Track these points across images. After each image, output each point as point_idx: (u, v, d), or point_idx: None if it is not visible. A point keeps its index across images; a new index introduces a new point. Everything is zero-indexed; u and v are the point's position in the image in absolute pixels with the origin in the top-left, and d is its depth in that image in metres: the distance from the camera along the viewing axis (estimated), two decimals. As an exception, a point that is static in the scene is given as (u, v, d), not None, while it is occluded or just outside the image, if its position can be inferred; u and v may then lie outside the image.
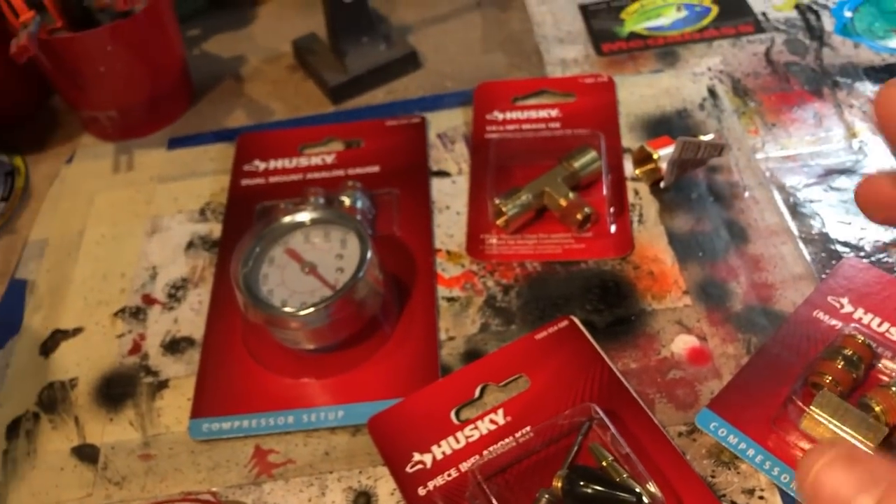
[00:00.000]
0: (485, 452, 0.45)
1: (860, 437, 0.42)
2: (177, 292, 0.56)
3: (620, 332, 0.50)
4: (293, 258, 0.51)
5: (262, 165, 0.62)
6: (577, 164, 0.57)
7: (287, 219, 0.51)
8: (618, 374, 0.48)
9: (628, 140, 0.61)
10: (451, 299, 0.53)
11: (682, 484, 0.43)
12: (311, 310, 0.48)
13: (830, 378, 0.45)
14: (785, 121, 0.61)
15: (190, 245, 0.58)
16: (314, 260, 0.50)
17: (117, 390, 0.51)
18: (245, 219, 0.58)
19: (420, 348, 0.51)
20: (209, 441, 0.48)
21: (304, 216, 0.52)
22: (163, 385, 0.51)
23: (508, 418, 0.47)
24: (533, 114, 0.63)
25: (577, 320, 0.51)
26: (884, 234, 0.53)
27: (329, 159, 0.62)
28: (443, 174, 0.61)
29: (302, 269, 0.50)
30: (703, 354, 0.49)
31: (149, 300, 0.56)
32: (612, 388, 0.47)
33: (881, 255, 0.52)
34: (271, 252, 0.51)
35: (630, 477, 0.42)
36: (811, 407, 0.43)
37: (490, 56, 0.70)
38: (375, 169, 0.61)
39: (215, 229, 0.59)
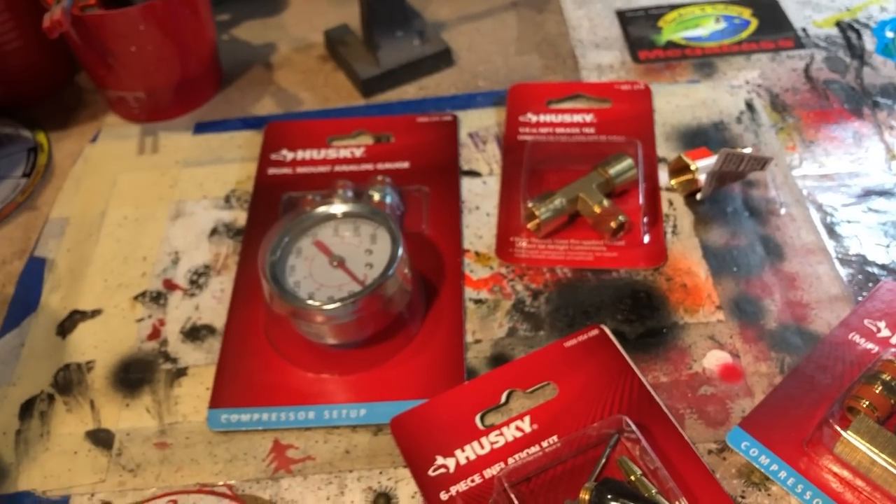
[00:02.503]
0: (510, 460, 0.44)
1: (897, 465, 0.41)
2: (199, 279, 0.55)
3: (651, 344, 0.49)
4: (322, 250, 0.50)
5: (289, 155, 0.61)
6: (612, 171, 0.56)
7: (318, 210, 0.50)
8: (648, 386, 0.47)
9: (663, 149, 0.60)
10: (478, 301, 0.52)
11: (711, 503, 0.42)
12: (338, 304, 0.47)
13: (868, 403, 0.44)
14: (823, 139, 0.60)
15: (214, 232, 0.57)
16: (343, 254, 0.49)
17: (135, 375, 0.50)
18: (271, 208, 0.57)
19: (446, 350, 0.50)
20: (227, 432, 0.47)
21: (335, 208, 0.51)
22: (181, 373, 0.50)
23: (535, 426, 0.46)
24: (567, 118, 0.62)
25: (607, 329, 0.50)
26: (922, 258, 0.52)
27: (358, 153, 0.61)
28: (473, 174, 0.60)
29: (330, 262, 0.49)
30: (736, 371, 0.48)
31: (170, 285, 0.55)
32: (642, 401, 0.46)
33: (919, 281, 0.51)
34: (299, 243, 0.50)
35: (659, 493, 0.41)
36: (847, 431, 0.42)
37: (524, 57, 0.69)
38: (405, 165, 0.60)
39: (240, 217, 0.58)
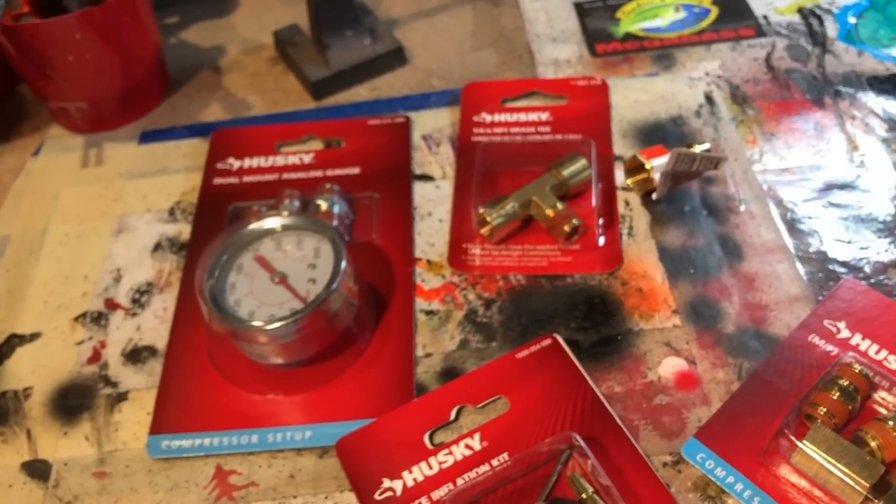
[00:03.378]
0: (458, 480, 0.43)
1: (855, 476, 0.39)
2: (141, 297, 0.53)
3: (605, 352, 0.48)
4: (263, 266, 0.48)
5: (236, 164, 0.59)
6: (566, 173, 0.54)
7: (255, 225, 0.49)
8: (601, 398, 0.45)
9: (620, 147, 0.58)
10: (429, 312, 0.51)
11: (665, 519, 0.41)
12: (280, 323, 0.45)
13: (825, 410, 0.43)
14: (784, 131, 0.58)
15: (157, 247, 0.56)
16: (285, 269, 0.48)
17: (74, 402, 0.48)
18: (216, 220, 0.56)
19: (395, 365, 0.48)
20: (168, 459, 0.45)
21: (274, 222, 0.49)
22: (122, 397, 0.48)
23: (485, 443, 0.44)
24: (522, 116, 0.61)
25: (560, 339, 0.48)
26: (884, 254, 0.51)
27: (307, 159, 0.59)
28: (426, 178, 0.58)
29: (272, 278, 0.47)
30: (692, 379, 0.46)
31: (111, 305, 0.53)
32: (595, 413, 0.45)
33: (881, 277, 0.50)
34: (240, 259, 0.48)
35: (611, 511, 0.40)
36: (804, 441, 0.41)
37: (480, 54, 0.67)
38: (356, 171, 0.58)
39: (185, 230, 0.56)
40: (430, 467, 0.44)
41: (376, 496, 0.43)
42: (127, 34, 0.61)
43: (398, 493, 0.43)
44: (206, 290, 0.47)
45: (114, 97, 0.63)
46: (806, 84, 0.61)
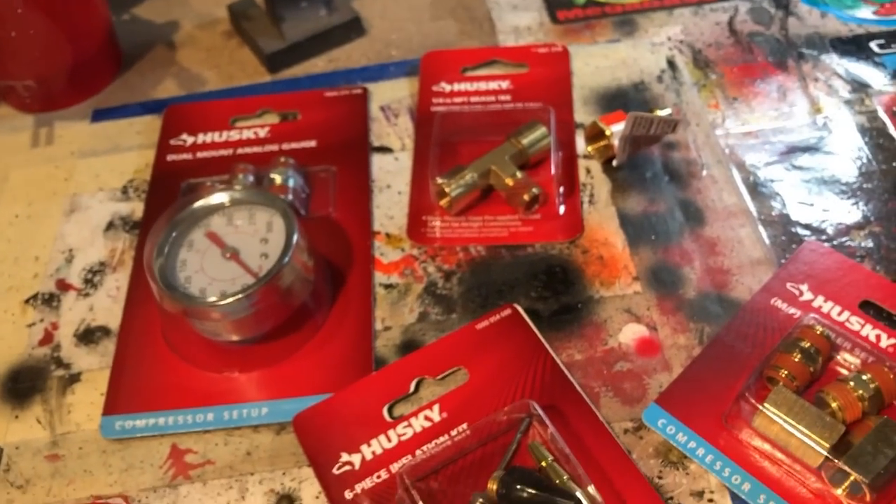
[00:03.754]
0: (417, 452, 0.42)
1: (815, 437, 0.39)
2: (94, 277, 0.52)
3: (566, 321, 0.47)
4: (214, 242, 0.47)
5: (189, 139, 0.58)
6: (525, 141, 0.53)
7: (204, 200, 0.47)
8: (561, 366, 0.45)
9: (582, 115, 0.57)
10: (388, 286, 0.50)
11: (626, 486, 0.40)
12: (232, 299, 0.44)
13: (786, 372, 0.42)
14: (747, 94, 0.58)
15: (110, 226, 0.54)
16: (237, 244, 0.47)
17: (25, 384, 0.47)
18: (169, 198, 0.54)
19: (353, 340, 0.47)
20: (122, 440, 0.44)
21: (222, 197, 0.48)
22: (75, 379, 0.47)
23: (444, 414, 0.43)
24: (483, 85, 0.60)
25: (520, 309, 0.47)
26: (846, 216, 0.50)
27: (262, 133, 0.58)
28: (385, 150, 0.57)
29: (223, 254, 0.46)
30: (653, 345, 0.46)
31: (63, 286, 0.51)
32: (556, 382, 0.44)
33: (844, 239, 0.49)
34: (191, 235, 0.47)
35: (570, 479, 0.39)
36: (765, 404, 0.40)
37: (439, 23, 0.66)
38: (312, 144, 0.57)
39: (138, 209, 0.55)
40: (389, 440, 0.43)
41: (334, 470, 0.42)
42: (74, 9, 0.59)
43: (357, 466, 0.42)
44: (156, 268, 0.46)
45: (63, 75, 0.61)
46: (769, 47, 0.61)
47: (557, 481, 0.40)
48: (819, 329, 0.44)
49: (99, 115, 0.61)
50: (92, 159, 0.58)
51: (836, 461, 0.39)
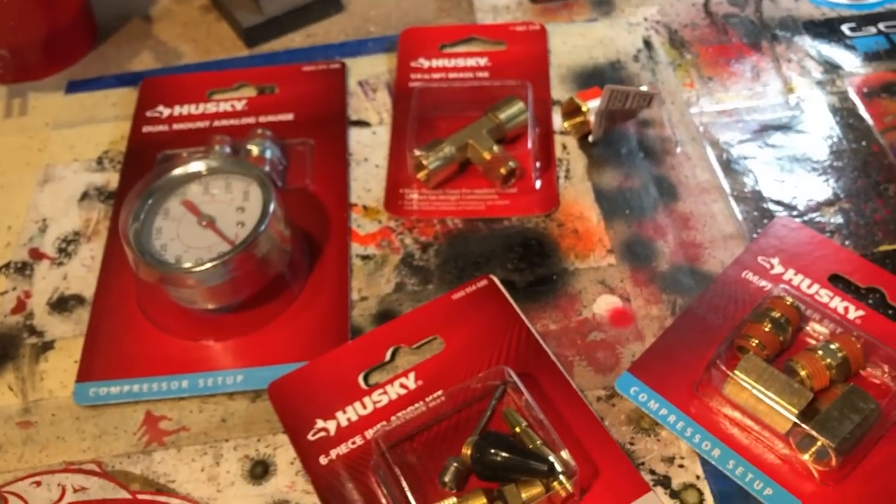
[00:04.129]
0: (392, 418, 0.42)
1: (784, 403, 0.40)
2: (68, 247, 0.51)
3: (541, 292, 0.48)
4: (190, 210, 0.47)
5: (166, 111, 0.57)
6: (502, 116, 0.53)
7: (180, 169, 0.47)
8: (536, 335, 0.45)
9: (559, 92, 0.58)
10: (365, 257, 0.50)
11: (598, 451, 0.41)
12: (208, 265, 0.44)
13: (757, 341, 0.43)
14: (722, 74, 0.58)
15: (85, 196, 0.54)
16: (213, 213, 0.46)
17: (-3, 352, 0.47)
18: (145, 169, 0.54)
19: (330, 309, 0.47)
20: (96, 407, 0.44)
21: (199, 165, 0.47)
22: (48, 346, 0.47)
23: (420, 382, 0.44)
24: (461, 62, 0.60)
25: (496, 280, 0.48)
26: (817, 193, 0.51)
27: (239, 106, 0.57)
28: (362, 124, 0.57)
29: (199, 222, 0.46)
30: (626, 316, 0.46)
31: (37, 255, 0.51)
32: (530, 351, 0.45)
33: (814, 215, 0.50)
34: (166, 204, 0.47)
35: (544, 444, 0.40)
36: (735, 371, 0.41)
37: (418, 0, 0.66)
38: (289, 117, 0.57)
39: (113, 179, 0.54)
40: (365, 407, 0.43)
41: (309, 437, 0.42)
42: (49, -21, 0.59)
43: (332, 432, 0.42)
44: (131, 235, 0.45)
45: (37, 45, 0.60)
46: (743, 28, 0.61)
47: (531, 446, 0.40)
48: (789, 300, 0.44)
49: (74, 87, 0.61)
50: (66, 130, 0.58)
51: (804, 426, 0.39)
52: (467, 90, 0.57)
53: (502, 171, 0.51)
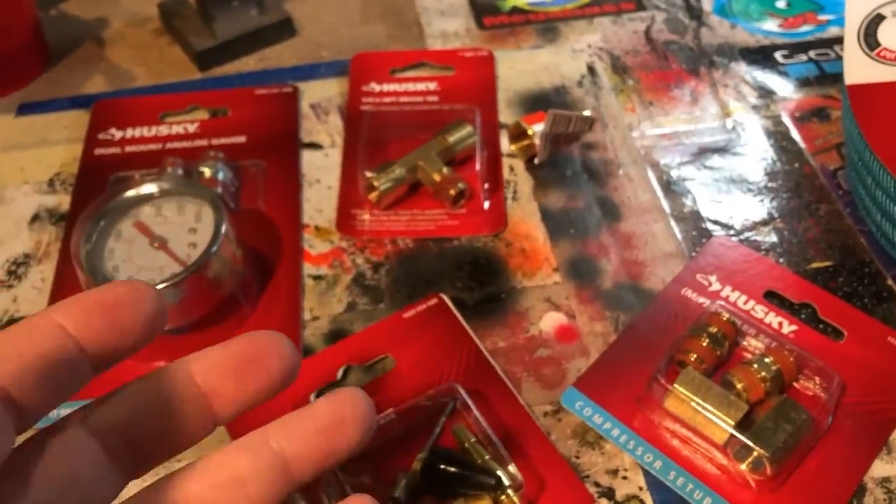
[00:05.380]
0: (343, 436, 0.43)
1: (721, 415, 0.42)
2: (18, 269, 0.51)
3: (490, 309, 0.49)
4: (142, 232, 0.47)
5: (118, 134, 0.58)
6: (451, 139, 0.55)
7: (133, 191, 0.48)
8: (485, 352, 0.46)
9: (506, 116, 0.59)
10: (317, 277, 0.51)
11: (545, 465, 0.42)
12: (160, 287, 0.44)
13: (695, 356, 0.45)
14: (662, 99, 0.61)
15: (35, 218, 0.54)
16: (165, 234, 0.47)
17: (-56, 376, 0.46)
18: (97, 191, 0.54)
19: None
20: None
21: (151, 187, 0.48)
22: (-4, 370, 0.47)
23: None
24: (411, 86, 0.61)
25: (446, 298, 0.49)
26: (753, 213, 0.54)
27: (192, 128, 0.58)
28: (314, 146, 0.58)
29: (151, 243, 0.47)
30: (571, 332, 0.48)
31: (-15, 278, 0.51)
32: (479, 368, 0.46)
33: (750, 234, 0.53)
34: (119, 225, 0.47)
35: (492, 459, 0.41)
36: (675, 385, 0.43)
37: (369, 27, 0.67)
38: (242, 139, 0.57)
39: (64, 202, 0.55)
40: (316, 426, 0.44)
41: (261, 456, 0.43)
42: None
43: (283, 451, 0.43)
44: (83, 257, 0.46)
45: (-13, 68, 0.60)
46: (683, 55, 0.64)
47: (479, 461, 0.41)
48: (725, 316, 0.46)
49: (25, 109, 0.61)
50: (17, 153, 0.58)
51: (740, 437, 0.41)
52: (417, 114, 0.58)
53: (452, 192, 0.53)
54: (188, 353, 0.47)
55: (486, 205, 0.54)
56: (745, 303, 0.49)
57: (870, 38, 0.52)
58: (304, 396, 0.45)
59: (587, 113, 0.56)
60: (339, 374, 0.46)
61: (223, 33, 0.63)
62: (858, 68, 0.51)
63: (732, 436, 0.41)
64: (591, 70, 0.63)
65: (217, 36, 0.63)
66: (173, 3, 0.66)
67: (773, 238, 0.52)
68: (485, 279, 0.50)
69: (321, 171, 0.56)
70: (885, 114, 0.49)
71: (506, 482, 0.40)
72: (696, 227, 0.53)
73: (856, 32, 0.52)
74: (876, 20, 0.52)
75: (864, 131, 0.49)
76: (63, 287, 0.50)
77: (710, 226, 0.53)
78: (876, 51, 0.51)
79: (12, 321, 0.49)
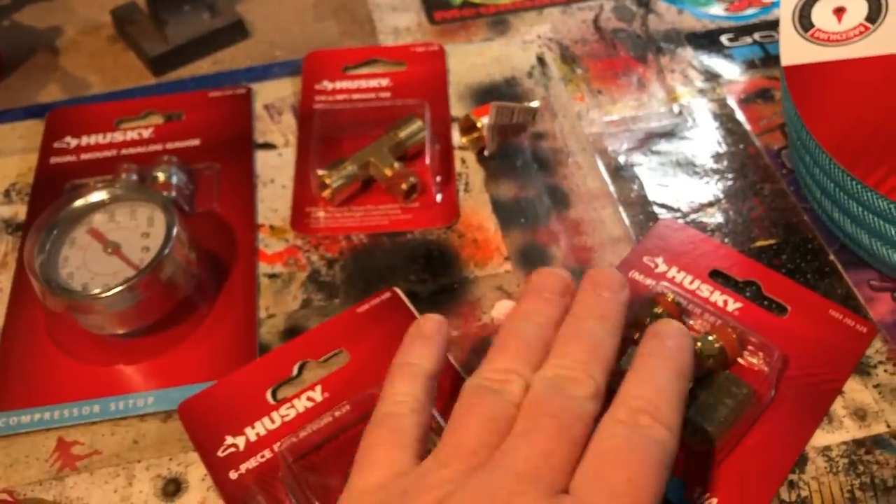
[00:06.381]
0: (300, 431, 0.44)
1: (665, 393, 0.43)
2: (-25, 280, 0.52)
3: (443, 300, 0.50)
4: (96, 238, 0.48)
5: (73, 142, 0.58)
6: (402, 134, 0.56)
7: (83, 199, 0.48)
8: (438, 343, 0.48)
9: (458, 109, 0.60)
10: (272, 276, 0.52)
11: (498, 449, 0.43)
12: (114, 291, 0.45)
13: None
14: (610, 87, 0.62)
15: (-8, 229, 0.55)
16: (118, 239, 0.48)
17: None
18: (53, 199, 0.53)
19: (237, 328, 0.49)
20: (7, 437, 0.45)
21: (101, 194, 0.49)
22: (-43, 380, 0.47)
23: (326, 394, 0.46)
24: (363, 83, 0.62)
25: (400, 292, 0.50)
26: (699, 195, 0.55)
27: (146, 133, 0.59)
28: (268, 146, 0.59)
29: (105, 249, 0.47)
30: (522, 319, 0.49)
31: (-56, 290, 0.52)
32: (432, 358, 0.47)
33: (696, 216, 0.54)
34: (73, 233, 0.48)
35: (444, 446, 0.42)
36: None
37: (322, 24, 0.68)
38: (196, 142, 0.58)
39: (21, 212, 0.55)
40: (273, 421, 0.45)
41: (219, 453, 0.43)
42: (-50, 15, 0.59)
43: (241, 447, 0.44)
44: (37, 266, 0.46)
45: (-59, 81, 0.61)
46: (630, 42, 0.65)
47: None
48: (670, 296, 0.47)
49: (-21, 121, 0.61)
50: (-28, 164, 0.58)
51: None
52: (369, 110, 0.59)
53: (403, 186, 0.54)
54: (146, 355, 0.48)
55: (439, 198, 0.55)
56: (691, 283, 0.50)
57: (804, 19, 0.53)
58: (259, 394, 0.46)
59: (533, 103, 0.57)
60: (295, 370, 0.47)
61: (176, 38, 0.64)
62: (794, 49, 0.52)
63: (677, 412, 0.43)
64: (541, 61, 0.64)
65: (170, 41, 0.63)
66: (126, 10, 0.67)
67: (719, 219, 0.53)
68: (438, 271, 0.51)
69: (275, 170, 0.57)
70: (820, 93, 0.51)
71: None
72: (643, 212, 0.54)
73: (791, 14, 0.53)
74: (810, 2, 0.53)
75: (800, 111, 0.50)
76: (21, 297, 0.50)
77: (657, 209, 0.54)
78: (810, 32, 0.53)
79: (-28, 331, 0.49)
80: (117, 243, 0.47)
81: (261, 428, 0.44)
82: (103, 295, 0.45)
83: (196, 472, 0.43)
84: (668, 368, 0.39)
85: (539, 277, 0.43)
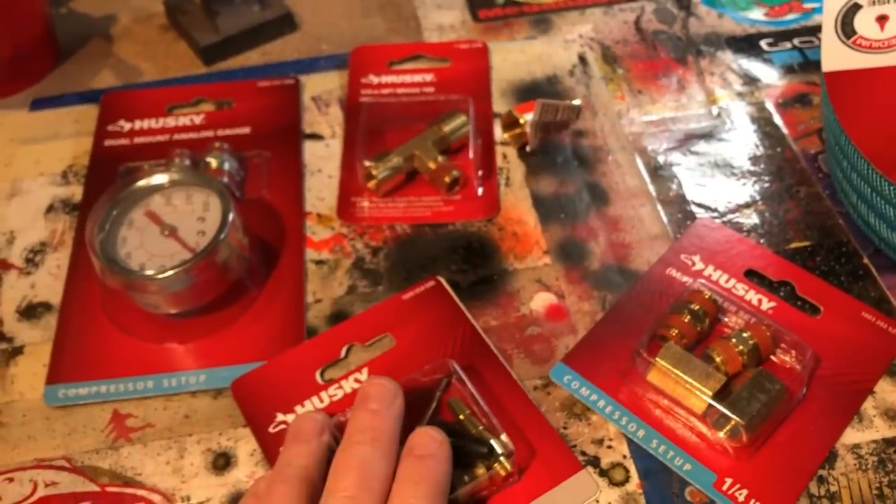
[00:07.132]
0: (347, 411, 0.46)
1: (700, 386, 0.44)
2: (35, 257, 0.54)
3: (483, 290, 0.51)
4: (153, 220, 0.50)
5: (126, 126, 0.60)
6: (446, 128, 0.57)
7: (143, 181, 0.50)
8: (479, 331, 0.49)
9: (500, 105, 0.62)
10: (319, 262, 0.53)
11: (536, 435, 0.45)
12: (170, 273, 0.47)
13: (677, 331, 0.47)
14: (650, 87, 0.63)
15: (50, 208, 0.56)
16: (175, 223, 0.50)
17: (-32, 358, 0.49)
18: (107, 181, 0.57)
19: (286, 311, 0.51)
20: (65, 407, 0.47)
21: (161, 178, 0.50)
22: (17, 351, 0.49)
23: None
24: (408, 78, 0.64)
25: (443, 280, 0.51)
26: (736, 196, 0.56)
27: (198, 120, 0.60)
28: (316, 137, 0.61)
29: (162, 231, 0.49)
30: (561, 311, 0.50)
31: (5, 265, 0.54)
32: (474, 345, 0.49)
33: (733, 216, 0.55)
34: (131, 214, 0.50)
35: (485, 429, 0.44)
36: (656, 358, 0.45)
37: (368, 20, 0.69)
38: (246, 130, 0.60)
39: (77, 192, 0.57)
40: (322, 401, 0.46)
41: (270, 429, 0.45)
42: (12, 3, 0.61)
43: (289, 425, 0.45)
44: (97, 244, 0.48)
45: (2, 65, 0.63)
46: (671, 44, 0.66)
47: (473, 431, 0.44)
48: (707, 293, 0.49)
49: (38, 104, 0.63)
50: (32, 146, 0.60)
51: (718, 406, 0.44)
52: (414, 104, 0.61)
53: (446, 179, 0.55)
54: (197, 335, 0.50)
55: (480, 191, 0.56)
56: (727, 281, 0.51)
57: (846, 26, 0.54)
58: (309, 374, 0.47)
59: (576, 102, 0.58)
60: (342, 352, 0.49)
61: (226, 29, 0.65)
62: (835, 56, 0.53)
63: (711, 405, 0.44)
64: (583, 60, 0.65)
65: (220, 31, 0.65)
66: (178, 0, 0.69)
67: (755, 219, 0.55)
68: (478, 262, 0.53)
69: (322, 160, 0.59)
70: (860, 100, 0.52)
71: (498, 450, 0.42)
72: (681, 210, 0.55)
73: (833, 21, 0.54)
74: (853, 9, 0.54)
75: (839, 117, 0.51)
76: (78, 273, 0.52)
77: (694, 209, 0.55)
78: (852, 39, 0.54)
79: (31, 306, 0.51)
80: (174, 226, 0.49)
81: (310, 406, 0.46)
82: (159, 276, 0.47)
83: (245, 447, 0.45)
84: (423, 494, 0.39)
85: (295, 423, 0.43)
